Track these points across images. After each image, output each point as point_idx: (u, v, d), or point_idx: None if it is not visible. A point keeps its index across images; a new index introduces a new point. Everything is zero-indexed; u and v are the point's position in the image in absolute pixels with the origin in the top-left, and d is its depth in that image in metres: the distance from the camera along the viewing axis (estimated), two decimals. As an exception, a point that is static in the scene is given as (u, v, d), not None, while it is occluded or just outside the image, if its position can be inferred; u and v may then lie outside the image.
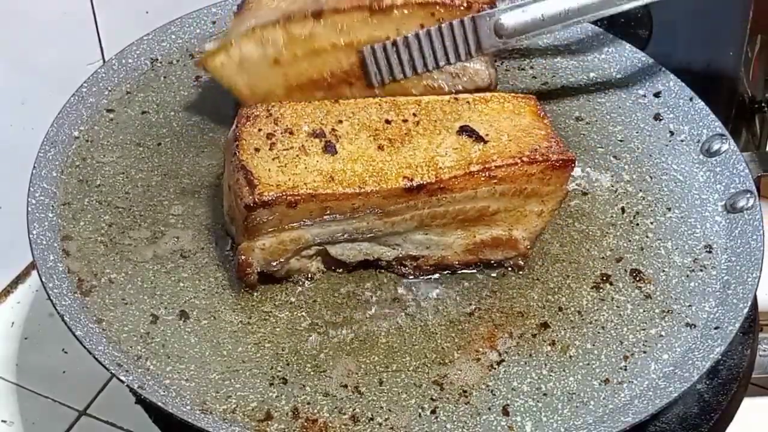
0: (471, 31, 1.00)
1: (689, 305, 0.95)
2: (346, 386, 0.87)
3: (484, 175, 0.90)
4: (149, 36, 1.15)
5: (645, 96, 1.15)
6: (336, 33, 0.99)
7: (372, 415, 0.85)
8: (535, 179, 0.92)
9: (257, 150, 0.89)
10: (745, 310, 0.92)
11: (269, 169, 0.88)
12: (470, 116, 0.94)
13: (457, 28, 0.99)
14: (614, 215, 1.03)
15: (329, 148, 0.90)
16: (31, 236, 0.93)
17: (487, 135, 0.93)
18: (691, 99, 1.13)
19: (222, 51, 1.00)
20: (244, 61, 1.00)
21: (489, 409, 0.86)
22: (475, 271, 0.97)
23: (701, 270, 0.98)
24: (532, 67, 1.19)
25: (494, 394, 0.87)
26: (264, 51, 1.00)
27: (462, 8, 0.99)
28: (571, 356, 0.91)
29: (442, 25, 0.99)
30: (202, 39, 1.17)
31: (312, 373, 0.88)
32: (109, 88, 1.11)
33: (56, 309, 0.87)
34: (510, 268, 0.97)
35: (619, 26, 1.24)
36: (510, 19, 1.00)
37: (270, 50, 1.00)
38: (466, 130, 0.93)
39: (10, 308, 1.34)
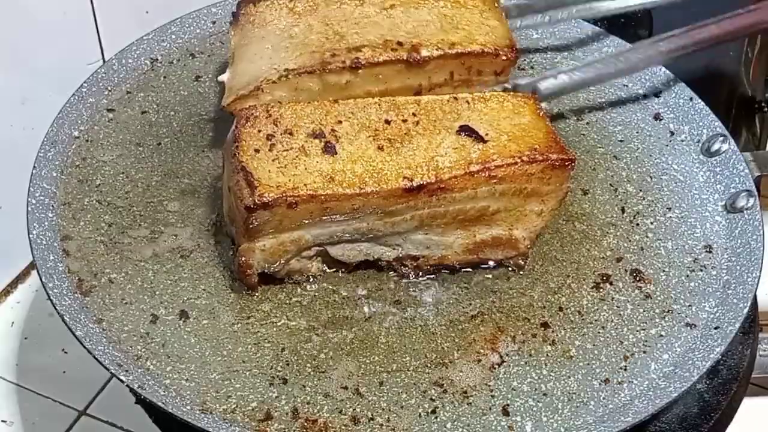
0: None
1: (689, 305, 0.95)
2: (346, 387, 0.87)
3: (484, 174, 0.90)
4: (149, 36, 1.15)
5: (645, 96, 1.15)
6: (371, 82, 1.01)
7: (372, 415, 0.85)
8: (535, 179, 0.92)
9: (257, 151, 0.89)
10: (745, 310, 0.92)
11: (269, 170, 0.88)
12: (470, 116, 0.94)
13: None
14: (614, 215, 1.03)
15: (329, 149, 0.90)
16: (31, 236, 0.93)
17: (486, 135, 0.93)
18: (691, 99, 1.13)
19: (251, 97, 0.98)
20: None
21: (489, 409, 0.86)
22: (475, 271, 0.97)
23: (701, 270, 0.98)
24: (532, 67, 1.19)
25: (494, 394, 0.87)
26: (296, 97, 0.99)
27: (491, 56, 1.02)
28: (571, 356, 0.91)
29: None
30: (202, 39, 1.17)
31: (312, 373, 0.88)
32: (109, 88, 1.11)
33: (56, 309, 0.87)
34: (510, 268, 0.97)
35: (619, 26, 1.24)
36: (546, 84, 1.06)
37: (303, 96, 0.99)
38: (465, 130, 0.92)
39: (10, 308, 1.34)
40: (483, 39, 1.03)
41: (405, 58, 1.00)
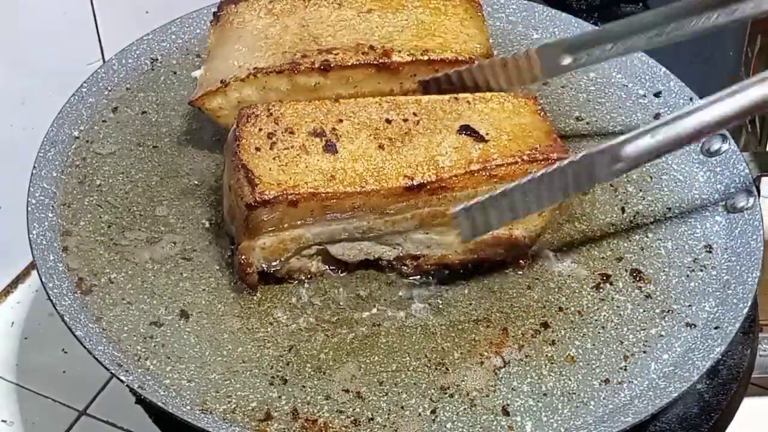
0: (585, 169, 0.84)
1: (689, 305, 0.95)
2: (346, 387, 0.87)
3: (484, 174, 0.90)
4: (149, 36, 1.15)
5: (645, 96, 1.15)
6: (341, 85, 1.00)
7: (372, 415, 0.85)
8: (535, 179, 0.92)
9: (258, 149, 0.89)
10: (745, 310, 0.92)
11: (270, 169, 0.88)
12: (470, 115, 0.94)
13: (568, 170, 0.82)
14: (614, 215, 1.03)
15: (330, 148, 0.90)
16: (31, 236, 0.93)
17: (487, 134, 0.93)
18: (691, 99, 1.13)
19: (219, 94, 0.98)
20: (242, 102, 0.98)
21: (489, 409, 0.86)
22: (475, 270, 0.97)
23: (701, 270, 0.98)
24: (532, 68, 1.19)
25: (494, 394, 0.87)
26: (265, 96, 0.99)
27: (465, 65, 1.00)
28: (571, 356, 0.91)
29: (549, 171, 0.83)
30: (202, 39, 1.17)
31: (312, 373, 0.88)
32: (109, 88, 1.11)
33: (56, 309, 0.87)
34: (510, 268, 0.97)
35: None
36: (633, 147, 0.84)
37: (271, 95, 0.99)
38: (466, 130, 0.93)
39: (10, 308, 1.34)
40: (459, 47, 1.02)
41: (375, 62, 0.99)
